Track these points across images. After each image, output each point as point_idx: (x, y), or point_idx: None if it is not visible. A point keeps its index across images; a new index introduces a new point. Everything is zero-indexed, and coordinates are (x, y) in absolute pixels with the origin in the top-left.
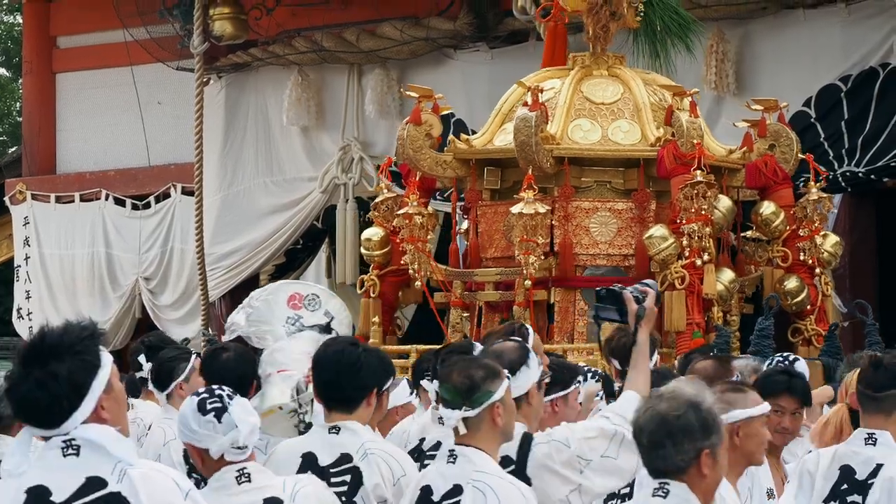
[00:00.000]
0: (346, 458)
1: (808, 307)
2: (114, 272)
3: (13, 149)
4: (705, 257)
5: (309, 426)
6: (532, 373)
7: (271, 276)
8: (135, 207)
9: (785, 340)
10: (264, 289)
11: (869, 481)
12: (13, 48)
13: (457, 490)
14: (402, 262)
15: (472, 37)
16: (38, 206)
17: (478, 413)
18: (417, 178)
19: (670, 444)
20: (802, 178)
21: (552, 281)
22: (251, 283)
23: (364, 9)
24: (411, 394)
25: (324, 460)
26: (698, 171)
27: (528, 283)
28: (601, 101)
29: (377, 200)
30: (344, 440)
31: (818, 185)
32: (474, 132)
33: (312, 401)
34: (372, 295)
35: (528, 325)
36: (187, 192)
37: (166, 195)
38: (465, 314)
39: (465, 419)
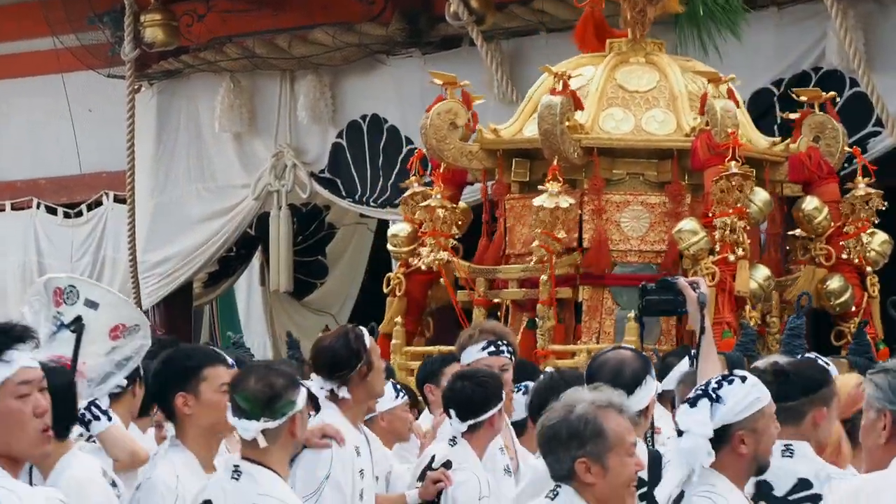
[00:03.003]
0: None
1: (853, 309)
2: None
3: None
4: (739, 252)
5: None
6: (653, 384)
7: (204, 284)
8: (66, 216)
9: (828, 343)
10: (34, 289)
11: (790, 497)
12: None
13: None
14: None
15: (405, 42)
16: None
17: (278, 425)
18: (442, 170)
19: (548, 452)
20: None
21: (580, 278)
22: (184, 291)
23: (296, 15)
24: (397, 397)
25: None
26: (732, 162)
27: (543, 278)
28: (636, 89)
29: (406, 194)
30: None
31: (866, 180)
32: (408, 139)
33: None
34: (398, 293)
35: (363, 329)
36: (119, 200)
37: (98, 203)
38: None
39: (264, 431)
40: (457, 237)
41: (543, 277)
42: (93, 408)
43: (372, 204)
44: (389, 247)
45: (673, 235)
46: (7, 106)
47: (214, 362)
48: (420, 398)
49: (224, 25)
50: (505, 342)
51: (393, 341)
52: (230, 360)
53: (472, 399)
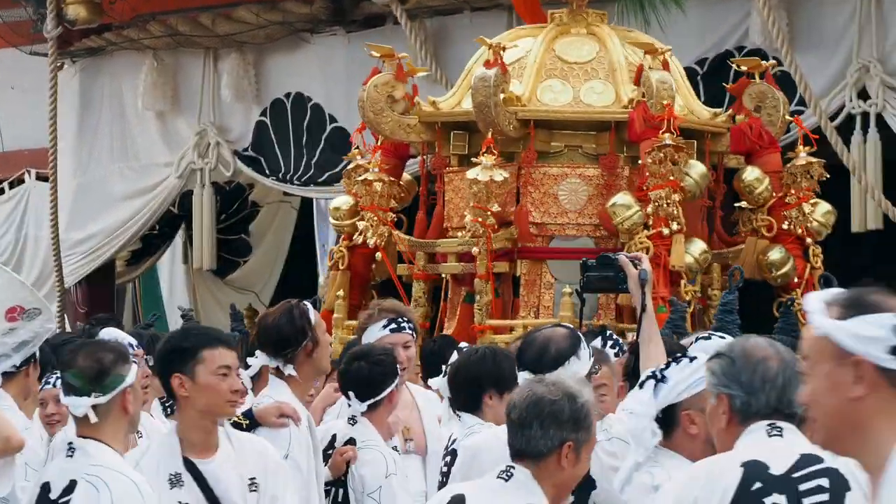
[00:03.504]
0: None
1: (795, 280)
2: None
3: None
4: (674, 227)
5: None
6: (582, 364)
7: (127, 262)
8: None
9: (770, 315)
10: None
11: None
12: None
13: (72, 486)
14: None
15: (329, 20)
16: None
17: (109, 399)
18: (379, 143)
19: (538, 425)
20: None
21: (518, 252)
22: (107, 269)
23: None
24: None
25: None
26: (667, 135)
27: (475, 251)
28: (575, 60)
29: (349, 167)
30: None
31: (807, 148)
32: (332, 116)
33: None
34: (340, 267)
35: (307, 304)
36: (42, 178)
37: (20, 181)
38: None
39: (95, 406)
40: (398, 210)
41: (476, 250)
42: None
43: (296, 182)
44: (331, 220)
45: (606, 209)
46: None
47: (214, 344)
48: None
49: (147, 3)
50: (405, 319)
51: (335, 315)
52: (232, 342)
53: (369, 378)
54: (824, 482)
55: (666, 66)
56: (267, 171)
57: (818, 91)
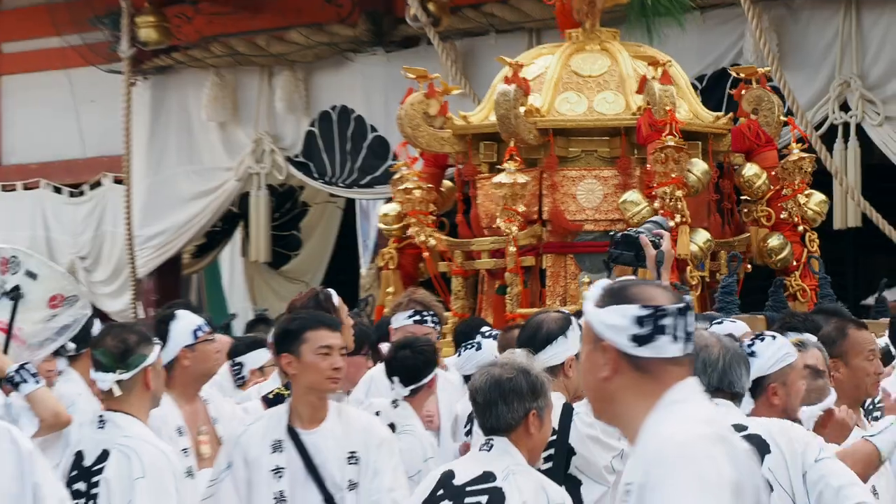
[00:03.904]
0: None
1: (793, 263)
2: (52, 253)
3: None
4: (678, 219)
5: None
6: (570, 344)
7: (192, 255)
8: (71, 195)
9: (780, 295)
10: None
11: None
12: None
13: (105, 455)
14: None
15: (370, 42)
16: None
17: (132, 376)
18: (419, 154)
19: (502, 402)
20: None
21: (542, 247)
22: (175, 262)
23: (274, 17)
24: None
25: None
26: (669, 137)
27: (511, 249)
28: (588, 74)
29: (395, 177)
30: None
31: (799, 145)
32: (372, 127)
33: None
34: (391, 267)
35: (331, 290)
36: (117, 181)
37: (99, 184)
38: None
39: (119, 382)
40: (440, 214)
41: (511, 249)
42: (23, 371)
43: (340, 184)
44: (380, 224)
45: (618, 206)
46: (19, 98)
47: (316, 326)
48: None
49: (210, 26)
50: (430, 313)
51: (385, 310)
52: (335, 324)
53: (413, 366)
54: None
55: (666, 75)
56: (315, 175)
57: (804, 104)
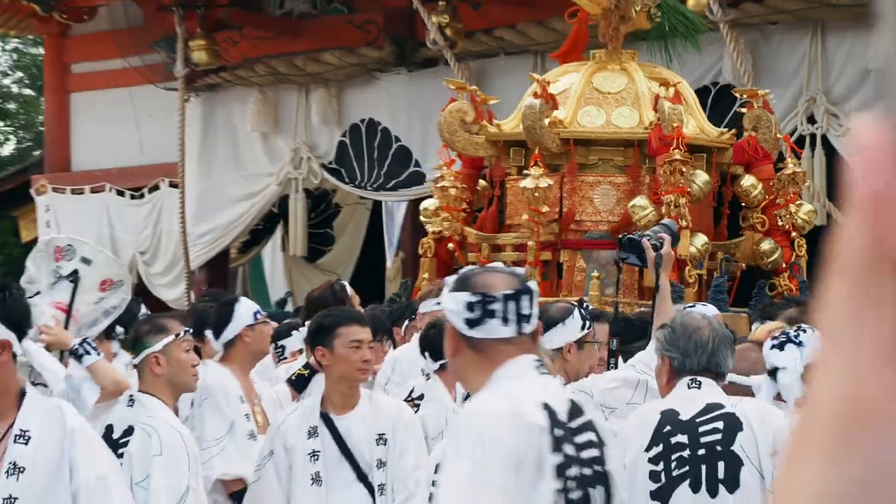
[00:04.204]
0: None
1: (783, 266)
2: (116, 248)
3: (37, 152)
4: (682, 223)
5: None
6: (567, 331)
7: (238, 250)
8: (132, 197)
9: (764, 295)
10: (37, 247)
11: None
12: (36, 73)
13: (130, 430)
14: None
15: (395, 63)
16: (56, 197)
17: (140, 362)
18: (455, 157)
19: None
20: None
21: (561, 244)
22: (223, 256)
23: (310, 41)
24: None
25: None
26: (676, 150)
27: (531, 244)
28: (608, 91)
29: (436, 177)
30: None
31: (793, 161)
32: (396, 137)
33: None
34: (429, 255)
35: (344, 282)
36: (173, 185)
37: (156, 187)
38: None
39: (135, 366)
40: (472, 210)
41: (530, 243)
42: (85, 344)
43: (368, 188)
44: (421, 218)
45: (628, 209)
46: (87, 112)
47: (349, 322)
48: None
49: (254, 49)
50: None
51: (421, 292)
52: (365, 320)
53: (441, 343)
54: (720, 424)
55: (677, 94)
56: (346, 180)
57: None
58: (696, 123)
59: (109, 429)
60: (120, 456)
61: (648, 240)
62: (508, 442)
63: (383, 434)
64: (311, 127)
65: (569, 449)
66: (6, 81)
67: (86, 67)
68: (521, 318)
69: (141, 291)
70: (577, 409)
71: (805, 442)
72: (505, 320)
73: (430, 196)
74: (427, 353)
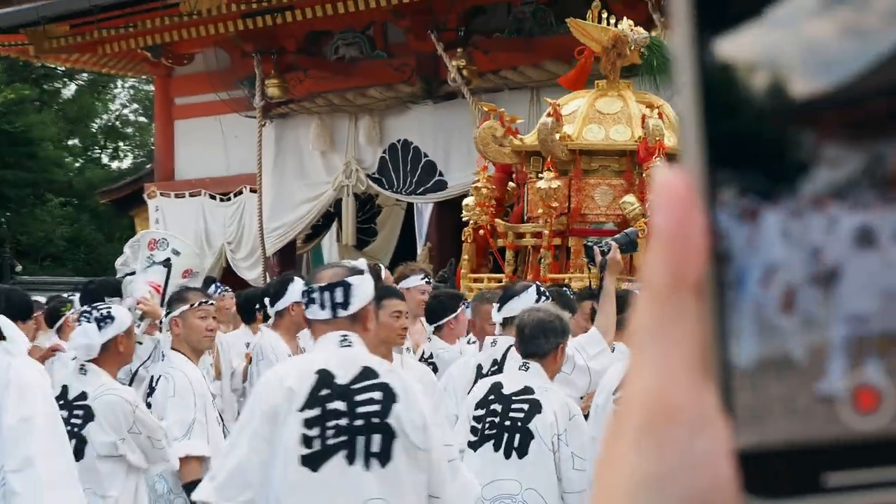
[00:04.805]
0: None
1: None
2: (209, 239)
3: (148, 166)
4: None
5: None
6: (523, 302)
7: (303, 241)
8: (221, 200)
9: None
10: (134, 238)
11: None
12: (148, 105)
13: (159, 378)
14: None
15: (423, 96)
16: (163, 201)
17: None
18: (487, 164)
19: (542, 336)
20: None
21: (569, 232)
22: (291, 245)
23: (359, 79)
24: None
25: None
26: (658, 159)
27: (545, 232)
28: (607, 112)
29: (475, 180)
30: None
31: None
32: (425, 153)
33: (143, 318)
34: (469, 241)
35: (381, 265)
36: (252, 191)
37: (240, 192)
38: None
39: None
40: (503, 206)
41: (545, 232)
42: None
43: (403, 193)
44: (464, 213)
45: (620, 205)
46: (187, 135)
47: (391, 296)
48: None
49: (316, 86)
50: (427, 274)
51: (462, 271)
52: (402, 296)
53: (434, 310)
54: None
55: (661, 114)
56: (386, 187)
57: None
58: (675, 138)
59: (151, 379)
60: (151, 393)
61: (599, 247)
62: (268, 398)
63: None
64: (359, 146)
65: (336, 405)
66: (126, 112)
67: (186, 100)
68: (336, 305)
69: (228, 272)
70: (368, 373)
71: (618, 434)
72: (322, 306)
73: (452, 199)
74: (424, 318)
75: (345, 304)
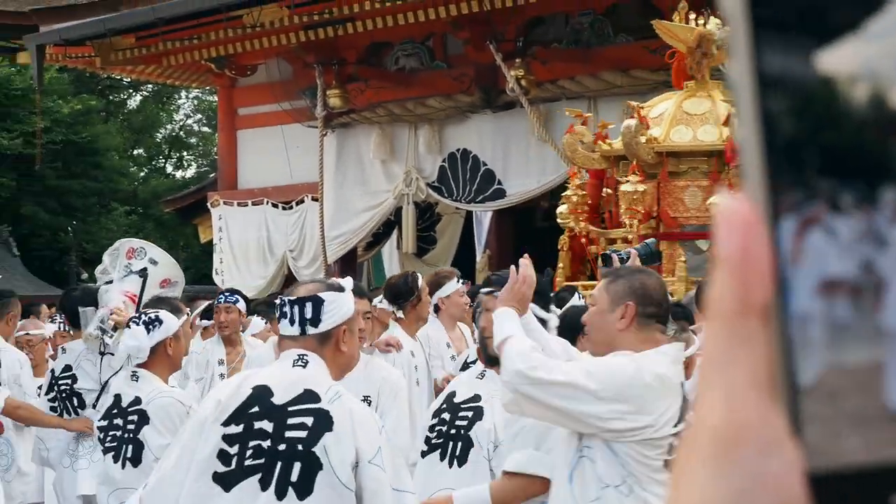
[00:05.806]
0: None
1: None
2: (272, 247)
3: (212, 175)
4: None
5: (106, 346)
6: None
7: (364, 248)
8: (283, 208)
9: None
10: (114, 246)
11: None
12: (212, 115)
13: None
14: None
15: (482, 105)
16: (226, 209)
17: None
18: (576, 170)
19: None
20: None
21: (658, 235)
22: (353, 253)
23: (418, 89)
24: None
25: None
26: None
27: (632, 237)
28: (695, 112)
29: (567, 187)
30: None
31: None
32: (484, 163)
33: (116, 328)
34: (564, 249)
35: (417, 273)
36: (314, 199)
37: (302, 201)
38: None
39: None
40: (597, 212)
41: (630, 236)
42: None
43: (462, 201)
44: (559, 220)
45: (707, 206)
46: (249, 144)
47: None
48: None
49: (376, 96)
50: (462, 278)
51: (557, 279)
52: (364, 292)
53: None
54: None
55: None
56: (445, 195)
57: None
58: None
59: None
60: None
61: (617, 255)
62: (202, 410)
63: (368, 396)
64: (418, 155)
65: (262, 424)
66: (189, 122)
67: (249, 111)
68: (305, 321)
69: (290, 280)
70: (308, 397)
71: (691, 455)
72: (291, 321)
73: (511, 207)
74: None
75: (314, 321)
